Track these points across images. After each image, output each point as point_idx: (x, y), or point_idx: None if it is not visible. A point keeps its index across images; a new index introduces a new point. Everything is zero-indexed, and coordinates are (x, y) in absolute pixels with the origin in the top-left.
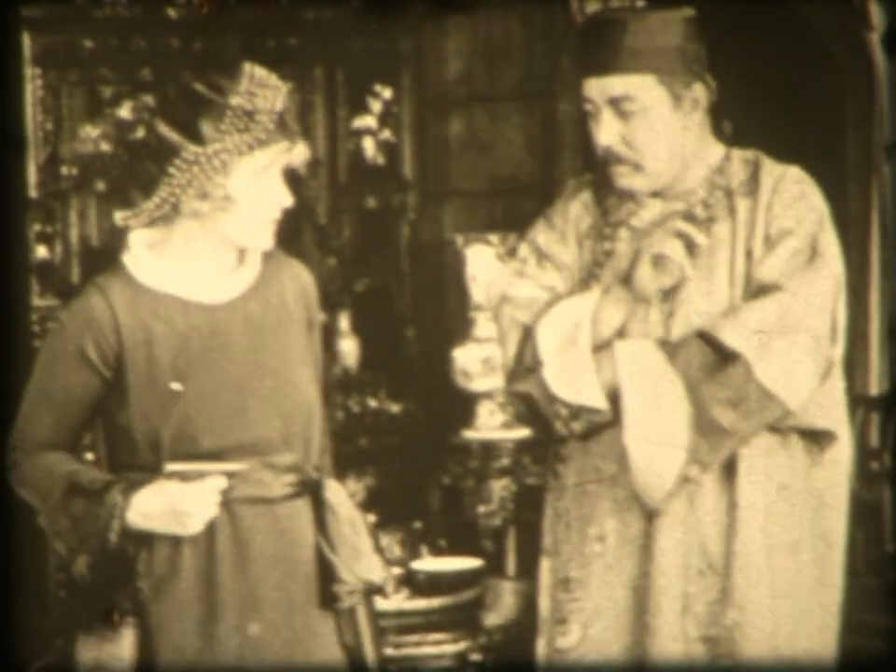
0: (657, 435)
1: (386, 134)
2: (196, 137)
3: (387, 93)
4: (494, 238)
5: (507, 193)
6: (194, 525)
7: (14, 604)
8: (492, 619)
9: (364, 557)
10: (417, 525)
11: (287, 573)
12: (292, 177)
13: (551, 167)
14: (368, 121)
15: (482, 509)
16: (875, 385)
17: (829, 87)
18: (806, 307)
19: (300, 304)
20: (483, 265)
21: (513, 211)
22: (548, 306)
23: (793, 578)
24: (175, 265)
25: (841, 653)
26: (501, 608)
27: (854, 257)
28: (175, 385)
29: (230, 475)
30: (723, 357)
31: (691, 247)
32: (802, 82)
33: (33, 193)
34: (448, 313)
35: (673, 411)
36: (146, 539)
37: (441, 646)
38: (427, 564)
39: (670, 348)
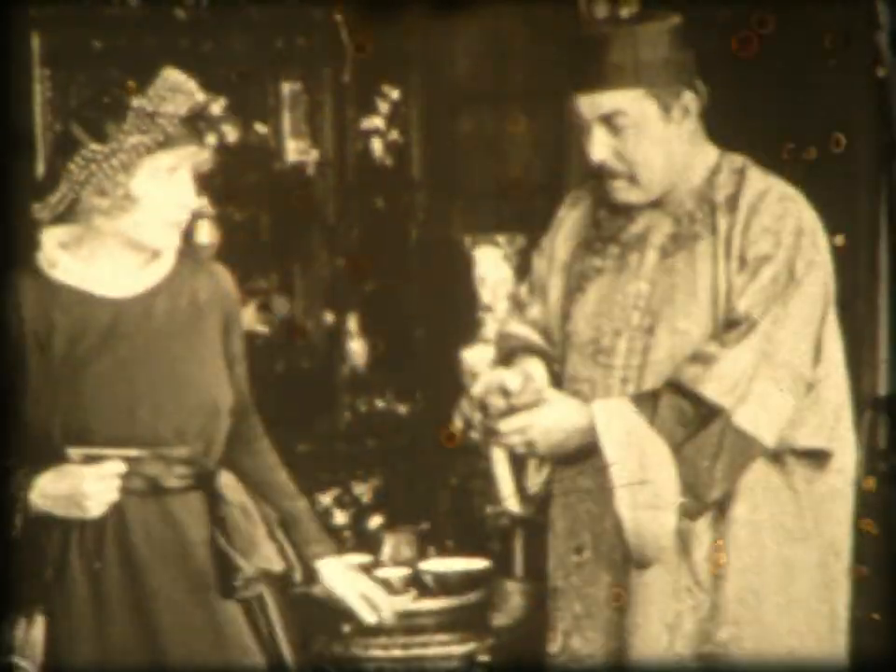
0: (648, 499)
1: (395, 135)
2: (100, 136)
3: (395, 94)
4: (502, 239)
5: (515, 194)
6: (94, 509)
7: None
8: (500, 619)
9: (259, 546)
10: (425, 525)
11: (183, 565)
12: (300, 179)
13: (559, 167)
14: (376, 122)
15: (489, 509)
16: (883, 386)
17: (837, 86)
18: (783, 341)
19: (213, 305)
20: (492, 266)
21: (522, 211)
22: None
23: (793, 589)
24: (85, 261)
25: (849, 653)
26: (509, 608)
27: (863, 256)
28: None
29: (126, 462)
30: (703, 410)
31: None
32: (809, 82)
33: None
34: (456, 313)
35: (662, 474)
36: (47, 524)
37: (449, 647)
38: (435, 564)
39: (646, 406)
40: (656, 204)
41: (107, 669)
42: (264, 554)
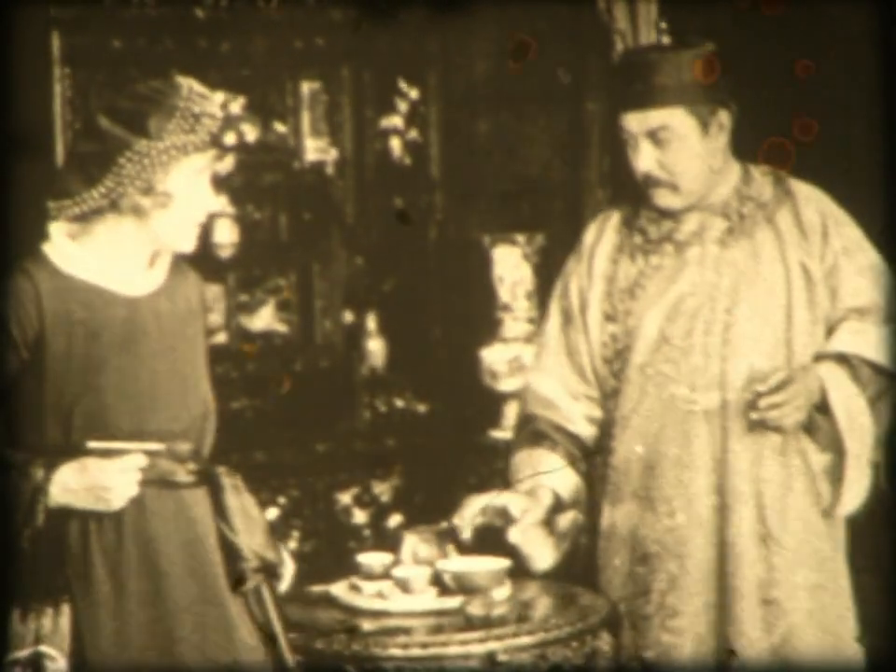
0: (864, 462)
1: (413, 134)
2: (142, 132)
3: (414, 93)
4: (520, 238)
5: (533, 193)
6: (115, 502)
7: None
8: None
9: (259, 535)
10: (444, 525)
11: (197, 558)
12: (319, 178)
13: (577, 167)
14: (395, 121)
15: None
16: None
17: (860, 87)
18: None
19: (200, 309)
20: (510, 265)
21: (540, 211)
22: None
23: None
24: (95, 256)
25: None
26: (530, 608)
27: (887, 253)
28: None
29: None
30: (882, 382)
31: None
32: (832, 82)
33: None
34: (475, 313)
35: (868, 433)
36: (66, 517)
37: (469, 646)
38: (455, 564)
39: (846, 371)
40: (698, 208)
41: (129, 661)
42: (263, 543)
